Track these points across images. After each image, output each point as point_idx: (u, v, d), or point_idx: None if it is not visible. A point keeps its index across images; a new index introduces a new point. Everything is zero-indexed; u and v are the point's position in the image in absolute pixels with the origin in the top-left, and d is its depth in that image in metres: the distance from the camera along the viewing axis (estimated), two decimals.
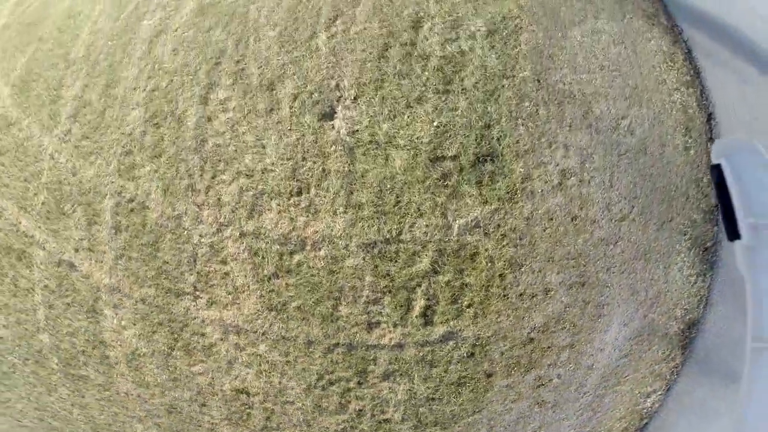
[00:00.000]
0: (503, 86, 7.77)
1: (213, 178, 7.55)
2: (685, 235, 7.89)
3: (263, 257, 7.38)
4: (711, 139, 8.40)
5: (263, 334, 7.42)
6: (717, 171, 6.82)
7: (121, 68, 8.49)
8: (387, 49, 7.94)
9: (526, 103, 7.72)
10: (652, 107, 8.25)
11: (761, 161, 6.58)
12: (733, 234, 6.34)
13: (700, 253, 7.94)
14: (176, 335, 7.54)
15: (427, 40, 8.04)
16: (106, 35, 8.86)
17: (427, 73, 7.78)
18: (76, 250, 7.75)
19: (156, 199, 7.62)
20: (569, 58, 8.22)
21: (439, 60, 7.88)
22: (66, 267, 7.75)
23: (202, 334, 7.50)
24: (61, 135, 8.20)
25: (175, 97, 8.00)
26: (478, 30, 8.18)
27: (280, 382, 7.48)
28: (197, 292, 7.49)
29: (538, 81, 7.92)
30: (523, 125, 7.60)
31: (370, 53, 7.91)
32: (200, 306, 7.50)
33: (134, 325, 7.56)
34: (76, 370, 7.71)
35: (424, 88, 7.68)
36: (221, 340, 7.48)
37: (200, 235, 7.48)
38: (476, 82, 7.73)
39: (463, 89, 7.70)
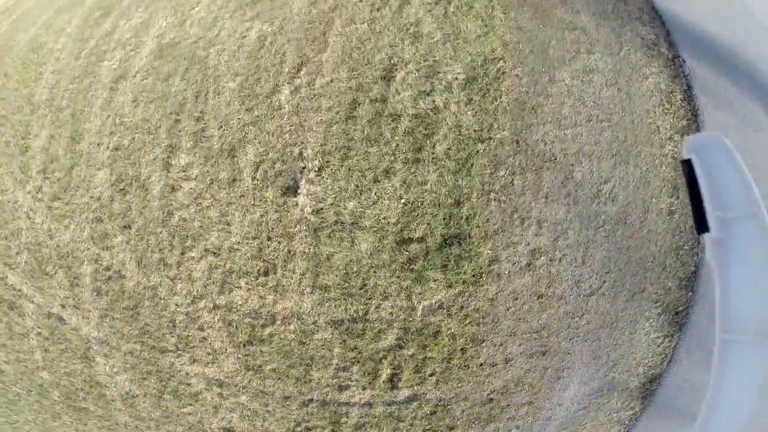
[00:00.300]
0: (478, 152, 7.31)
1: (182, 254, 7.66)
2: (656, 302, 7.87)
3: (237, 327, 7.75)
4: None
5: (243, 387, 8.07)
6: (688, 166, 6.94)
7: (84, 118, 8.21)
8: (355, 108, 7.40)
9: (501, 172, 7.31)
10: (640, 164, 7.73)
11: (730, 157, 6.65)
12: (702, 227, 6.59)
13: (670, 317, 7.97)
14: (164, 383, 8.26)
15: (399, 94, 7.43)
16: (68, 76, 8.48)
17: (397, 138, 7.33)
18: (63, 306, 8.22)
19: (131, 269, 7.84)
20: (555, 108, 7.58)
21: (410, 120, 7.36)
22: (55, 319, 8.29)
23: (188, 384, 8.20)
24: (34, 192, 8.22)
25: (138, 159, 7.81)
26: (456, 78, 7.48)
27: (262, 425, 8.31)
28: (179, 351, 8.05)
29: (517, 142, 7.40)
30: (495, 200, 7.28)
31: (337, 113, 7.40)
32: (183, 362, 8.10)
33: (125, 372, 8.28)
34: (76, 402, 8.63)
35: (392, 158, 7.29)
36: (206, 389, 8.19)
37: (176, 305, 7.82)
38: (449, 148, 7.28)
39: (434, 157, 7.28)
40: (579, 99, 7.85)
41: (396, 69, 7.60)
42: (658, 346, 7.98)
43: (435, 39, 7.93)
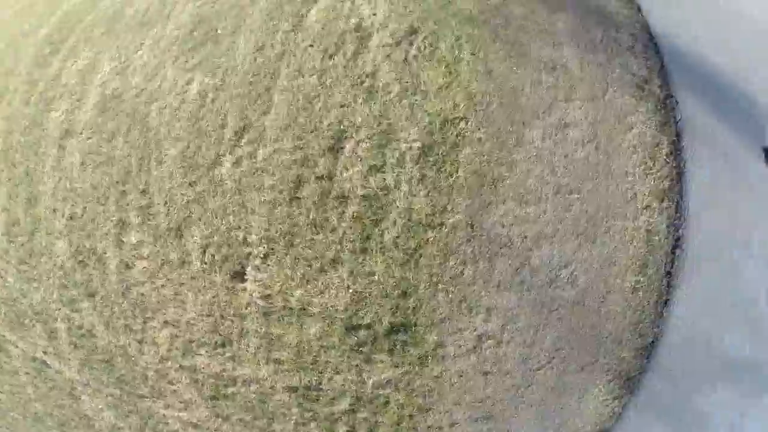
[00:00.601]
0: (428, 241, 7.10)
1: (145, 323, 7.99)
2: (608, 372, 7.96)
3: (202, 384, 8.30)
4: (668, 274, 7.66)
5: (216, 430, 8.84)
6: None
7: (38, 179, 8.24)
8: (300, 186, 7.16)
9: (451, 262, 7.14)
10: (607, 242, 7.40)
11: None
12: None
13: (622, 381, 8.11)
14: (145, 420, 9.07)
15: (348, 170, 7.11)
16: (19, 125, 8.44)
17: (344, 225, 7.14)
18: (45, 353, 8.87)
19: (100, 330, 8.28)
20: (519, 180, 7.16)
21: (359, 204, 7.11)
22: (40, 363, 8.98)
23: (166, 423, 9.00)
24: (2, 253, 8.50)
25: (93, 232, 7.89)
26: (410, 147, 7.06)
27: None
28: (154, 398, 8.74)
29: (472, 226, 7.13)
30: (443, 291, 7.21)
31: (281, 192, 7.18)
32: (159, 406, 8.82)
33: (109, 409, 9.09)
34: (69, 430, 9.56)
35: (339, 247, 7.17)
36: (182, 429, 9.00)
37: (146, 362, 8.34)
38: (397, 236, 7.09)
39: (382, 247, 7.13)
40: (548, 165, 7.30)
41: (346, 137, 7.13)
42: (607, 406, 8.19)
43: (392, 94, 7.30)
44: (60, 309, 8.31)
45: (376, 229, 7.02)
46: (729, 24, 7.94)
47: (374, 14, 8.12)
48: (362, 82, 7.37)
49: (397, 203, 7.00)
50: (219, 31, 7.92)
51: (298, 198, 7.09)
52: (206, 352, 7.89)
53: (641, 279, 7.49)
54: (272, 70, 7.50)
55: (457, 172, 7.00)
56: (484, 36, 7.86)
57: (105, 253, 7.82)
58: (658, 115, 7.61)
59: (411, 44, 7.69)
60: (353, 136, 7.10)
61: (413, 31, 7.89)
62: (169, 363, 8.17)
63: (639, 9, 8.53)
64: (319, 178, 7.05)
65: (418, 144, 7.05)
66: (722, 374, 7.74)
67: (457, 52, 7.70)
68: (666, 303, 7.73)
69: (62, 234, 8.00)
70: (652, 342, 7.82)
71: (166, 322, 7.84)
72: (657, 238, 7.39)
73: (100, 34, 8.72)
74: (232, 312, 7.54)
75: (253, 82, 7.43)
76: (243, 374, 7.94)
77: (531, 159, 7.19)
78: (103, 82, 8.08)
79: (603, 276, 7.35)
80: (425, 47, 7.72)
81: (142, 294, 7.79)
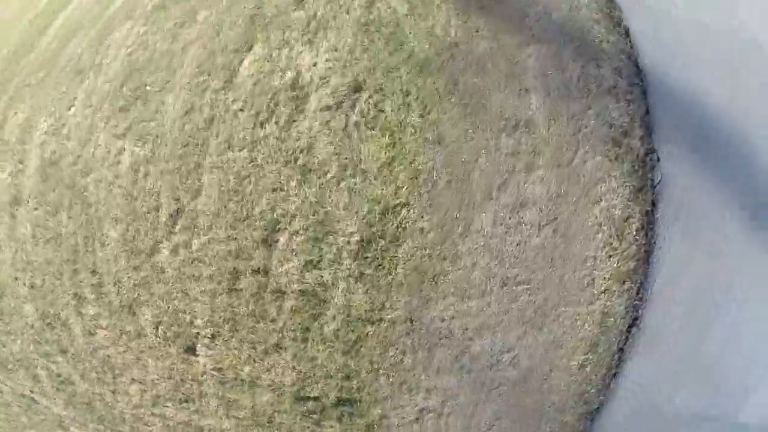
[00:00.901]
0: (367, 334, 7.21)
1: (114, 378, 8.55)
2: None
3: (174, 429, 9.03)
4: (621, 350, 7.59)
5: None
6: None
7: None
8: (237, 279, 7.22)
9: (391, 353, 7.30)
10: (555, 329, 7.32)
11: None
12: None
13: None
14: None
15: (283, 265, 7.11)
16: None
17: (283, 316, 7.28)
18: (32, 392, 9.68)
19: (77, 380, 8.93)
20: (462, 275, 7.04)
21: (296, 299, 7.18)
22: (29, 399, 9.83)
23: None
24: None
25: (54, 301, 8.23)
26: (348, 242, 6.97)
27: None
28: None
29: (411, 321, 7.18)
30: (383, 375, 7.43)
31: (219, 283, 7.30)
32: None
33: None
34: None
35: (281, 335, 7.37)
36: None
37: (122, 408, 9.06)
38: (337, 329, 7.22)
39: (322, 338, 7.29)
40: (497, 256, 6.98)
41: (279, 228, 6.97)
42: None
43: (329, 175, 6.99)
44: (38, 359, 8.89)
45: (316, 323, 7.08)
46: (732, 52, 6.81)
47: (314, 64, 7.44)
48: (296, 160, 6.98)
49: (335, 300, 6.96)
50: (148, 87, 7.47)
51: (237, 290, 7.11)
52: (172, 405, 8.46)
53: (590, 356, 7.44)
54: (201, 141, 7.15)
55: (396, 269, 6.81)
56: (438, 88, 7.15)
57: (69, 320, 8.18)
58: (634, 179, 6.74)
59: (353, 106, 7.11)
60: (287, 227, 6.89)
61: (357, 88, 7.23)
62: (142, 410, 8.82)
63: (627, 33, 7.48)
64: (255, 271, 7.00)
65: (356, 238, 6.82)
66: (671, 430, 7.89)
67: (404, 114, 7.08)
68: (615, 375, 7.71)
69: (27, 299, 8.33)
70: (597, 408, 7.94)
71: (133, 380, 8.35)
72: (612, 320, 7.12)
73: (38, 80, 8.35)
74: (190, 377, 7.96)
75: (183, 155, 7.14)
76: (208, 424, 8.56)
77: (478, 251, 6.87)
78: (42, 143, 7.91)
79: (548, 358, 7.34)
80: (369, 110, 7.13)
81: (108, 355, 8.24)
